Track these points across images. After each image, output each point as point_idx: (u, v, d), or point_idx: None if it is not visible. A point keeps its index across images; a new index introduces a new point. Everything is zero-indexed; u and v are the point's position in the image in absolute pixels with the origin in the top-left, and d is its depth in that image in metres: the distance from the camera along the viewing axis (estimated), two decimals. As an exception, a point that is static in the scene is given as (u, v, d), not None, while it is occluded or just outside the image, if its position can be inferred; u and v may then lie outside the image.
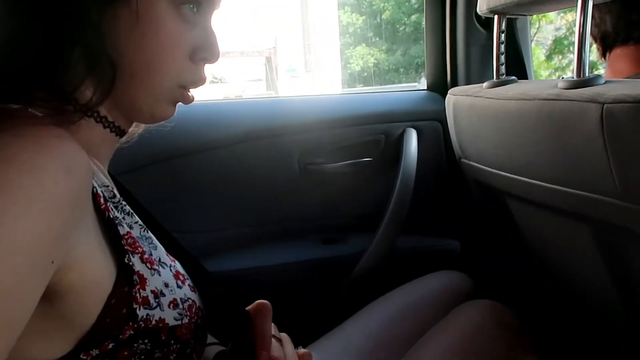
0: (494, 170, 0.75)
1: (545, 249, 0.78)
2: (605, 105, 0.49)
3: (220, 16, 0.49)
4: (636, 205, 0.50)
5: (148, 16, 0.40)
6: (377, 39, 7.63)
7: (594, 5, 0.65)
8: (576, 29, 0.56)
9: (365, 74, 7.44)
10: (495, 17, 0.74)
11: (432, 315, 0.82)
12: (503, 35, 0.74)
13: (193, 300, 0.48)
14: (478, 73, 1.05)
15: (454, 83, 1.09)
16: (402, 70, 7.01)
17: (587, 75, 0.56)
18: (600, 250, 0.62)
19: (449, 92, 0.86)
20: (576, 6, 0.56)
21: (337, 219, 1.10)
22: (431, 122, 1.08)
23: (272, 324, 0.53)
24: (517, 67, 1.02)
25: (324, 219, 1.09)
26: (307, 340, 0.83)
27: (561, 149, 0.57)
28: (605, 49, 0.73)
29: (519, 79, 0.75)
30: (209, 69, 0.49)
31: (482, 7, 0.72)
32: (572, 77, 0.58)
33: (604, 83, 0.55)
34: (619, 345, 0.73)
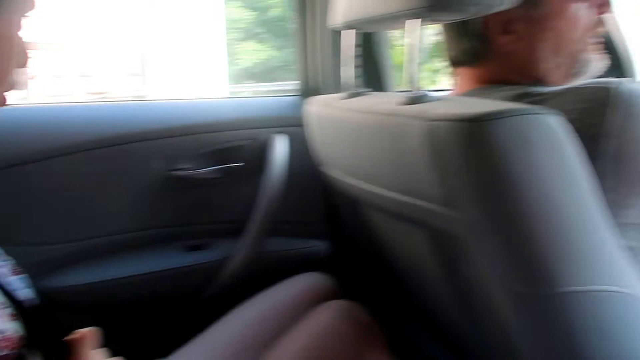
0: (345, 179, 0.79)
1: (394, 253, 0.84)
2: (428, 123, 0.53)
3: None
4: (457, 213, 0.56)
5: None
6: (268, 35, 7.63)
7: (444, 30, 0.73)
8: (407, 49, 0.60)
9: (256, 70, 7.40)
10: (349, 31, 0.77)
11: (291, 318, 0.84)
12: (358, 48, 0.78)
13: (14, 330, 0.44)
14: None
15: (321, 90, 1.12)
16: (292, 68, 7.10)
17: (418, 92, 0.60)
18: (434, 255, 0.68)
19: (305, 101, 0.88)
20: (404, 27, 0.59)
21: (204, 226, 1.09)
22: (301, 127, 1.11)
23: (102, 349, 0.51)
24: (377, 78, 1.07)
25: (189, 226, 1.07)
26: (167, 351, 0.81)
27: (397, 160, 0.62)
28: (455, 67, 0.80)
29: (379, 89, 0.79)
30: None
31: (335, 22, 0.75)
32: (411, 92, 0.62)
33: (434, 100, 0.59)
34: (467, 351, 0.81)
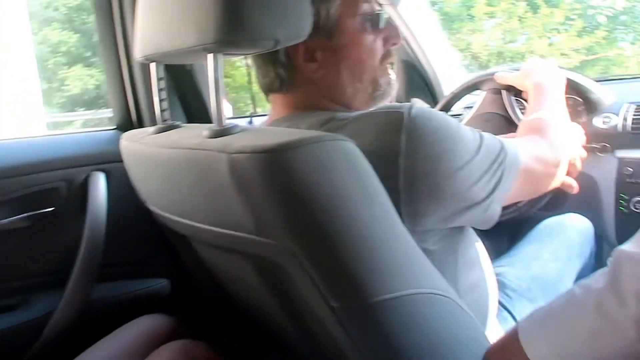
0: (166, 215, 0.76)
1: (230, 285, 0.83)
2: (231, 155, 0.53)
3: None
4: (271, 241, 0.57)
5: None
6: (97, 58, 7.13)
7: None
8: (210, 82, 0.59)
9: (87, 96, 6.86)
10: (152, 64, 0.74)
11: None
12: (162, 81, 0.75)
13: None
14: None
15: (136, 124, 1.07)
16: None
17: (226, 125, 0.60)
18: (263, 282, 0.68)
19: (121, 136, 0.83)
20: (205, 61, 0.59)
21: (15, 282, 0.96)
22: (121, 163, 1.04)
23: None
24: (200, 109, 1.05)
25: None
26: None
27: (208, 194, 0.61)
28: (267, 94, 0.81)
29: (202, 121, 0.77)
30: None
31: (137, 55, 0.72)
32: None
33: (239, 132, 0.60)
34: None
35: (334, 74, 0.75)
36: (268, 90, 0.79)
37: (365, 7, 0.75)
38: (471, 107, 1.39)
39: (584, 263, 1.17)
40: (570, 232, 1.21)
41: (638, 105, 1.35)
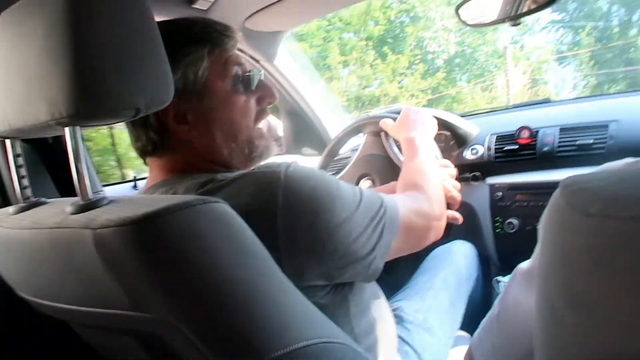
0: (39, 301, 0.69)
1: None
2: (95, 231, 0.50)
3: None
4: (150, 315, 0.53)
5: None
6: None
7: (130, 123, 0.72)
8: (70, 155, 0.56)
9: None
10: (7, 141, 0.69)
11: None
12: (20, 158, 0.70)
13: None
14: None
15: (4, 203, 0.98)
16: None
17: (90, 197, 0.57)
18: (153, 359, 0.64)
19: None
20: (63, 134, 0.56)
21: None
22: None
23: None
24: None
25: None
26: None
27: (76, 274, 0.57)
28: (144, 158, 0.78)
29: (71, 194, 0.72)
30: None
31: None
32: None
33: (106, 204, 0.57)
34: None
35: (207, 135, 0.75)
36: (142, 154, 0.77)
37: (235, 69, 0.77)
38: (357, 149, 1.46)
39: (473, 285, 1.25)
40: (457, 258, 1.29)
41: (499, 135, 1.50)
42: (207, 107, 0.74)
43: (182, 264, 0.50)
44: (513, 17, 1.19)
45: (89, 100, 0.52)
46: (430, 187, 0.90)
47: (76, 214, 0.55)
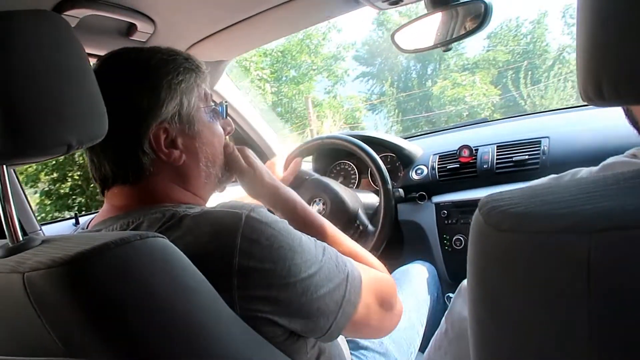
0: None
1: None
2: (25, 275, 0.48)
3: None
4: (81, 359, 0.51)
5: None
6: None
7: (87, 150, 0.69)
8: (-2, 194, 0.53)
9: None
10: None
11: None
12: None
13: None
14: None
15: None
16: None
17: (21, 239, 0.54)
18: None
19: None
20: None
21: None
22: None
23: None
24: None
25: None
26: None
27: (8, 319, 0.53)
28: (104, 188, 0.75)
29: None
30: None
31: None
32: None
33: (39, 245, 0.54)
34: None
35: (194, 160, 0.76)
36: (111, 181, 0.74)
37: (210, 100, 0.81)
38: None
39: (432, 305, 1.27)
40: (416, 279, 1.31)
41: (441, 155, 1.56)
42: (196, 133, 0.76)
43: (115, 305, 0.48)
44: (445, 42, 1.26)
45: (16, 139, 0.50)
46: (365, 256, 0.84)
47: (5, 257, 0.52)
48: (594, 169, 0.56)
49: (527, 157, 1.38)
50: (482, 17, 1.21)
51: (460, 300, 0.68)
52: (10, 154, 0.51)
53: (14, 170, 1.02)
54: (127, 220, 0.69)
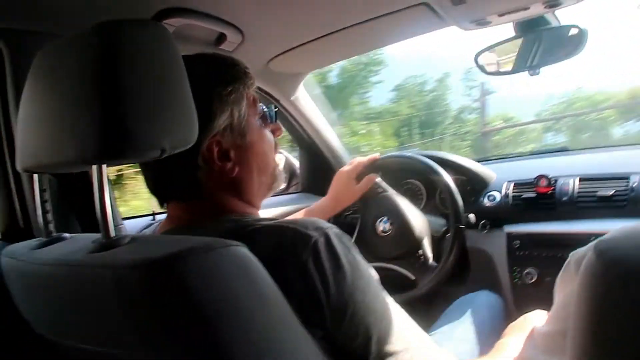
0: (55, 339, 0.67)
1: None
2: (115, 271, 0.50)
3: None
4: (159, 355, 0.53)
5: None
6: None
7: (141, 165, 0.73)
8: (95, 192, 0.56)
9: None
10: (35, 175, 0.70)
11: None
12: (46, 192, 0.71)
13: None
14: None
15: (27, 235, 0.97)
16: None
17: (114, 236, 0.57)
18: None
19: (2, 253, 0.75)
20: (90, 171, 0.57)
21: None
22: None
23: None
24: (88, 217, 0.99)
25: None
26: None
27: (96, 313, 0.56)
28: (162, 202, 0.78)
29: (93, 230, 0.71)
30: None
31: (18, 167, 0.67)
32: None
33: (128, 242, 0.57)
34: None
35: (247, 170, 0.76)
36: (170, 197, 0.76)
37: (260, 106, 0.80)
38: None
39: (497, 339, 1.21)
40: (481, 309, 1.26)
41: (516, 183, 1.49)
42: (248, 143, 0.76)
43: (197, 308, 0.49)
44: (532, 67, 1.21)
45: (116, 140, 0.52)
46: None
47: (97, 252, 0.55)
48: None
49: (613, 192, 1.29)
50: (576, 43, 1.15)
51: (532, 347, 0.64)
52: (110, 155, 0.53)
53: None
54: (194, 232, 0.69)
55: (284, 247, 0.62)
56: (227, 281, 0.51)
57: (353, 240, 1.27)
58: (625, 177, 1.31)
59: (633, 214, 1.22)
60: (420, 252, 1.39)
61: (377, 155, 1.46)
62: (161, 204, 0.78)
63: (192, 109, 0.61)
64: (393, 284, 1.33)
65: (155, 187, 0.76)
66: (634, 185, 1.27)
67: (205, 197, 0.74)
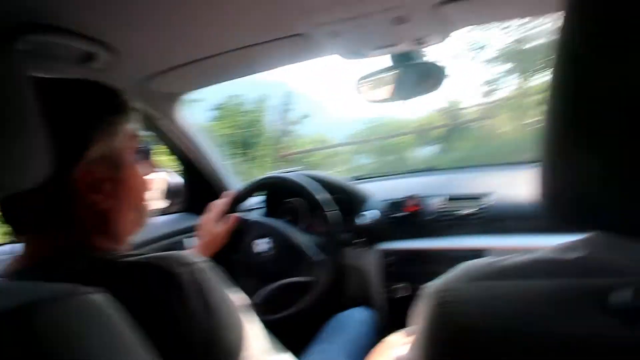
0: None
1: None
2: None
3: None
4: None
5: None
6: None
7: None
8: None
9: None
10: None
11: None
12: None
13: None
14: None
15: None
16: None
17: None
18: None
19: None
20: None
21: None
22: None
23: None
24: None
25: None
26: None
27: None
28: (18, 232, 0.71)
29: None
30: None
31: None
32: None
33: None
34: None
35: (117, 204, 0.73)
36: (26, 229, 0.69)
37: (136, 142, 0.78)
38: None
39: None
40: (358, 325, 1.32)
41: (389, 202, 1.59)
42: (122, 177, 0.73)
43: None
44: (403, 97, 1.31)
45: None
46: None
47: None
48: None
49: (469, 211, 1.43)
50: (437, 77, 1.28)
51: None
52: None
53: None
54: (50, 271, 0.64)
55: (148, 285, 0.60)
56: (79, 333, 0.48)
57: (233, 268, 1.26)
58: (484, 196, 1.45)
59: (485, 231, 1.37)
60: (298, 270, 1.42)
61: (231, 192, 1.51)
62: (17, 234, 0.70)
63: (42, 141, 0.54)
64: (282, 301, 1.35)
65: (10, 213, 0.69)
66: (486, 205, 1.43)
67: (69, 230, 0.69)
